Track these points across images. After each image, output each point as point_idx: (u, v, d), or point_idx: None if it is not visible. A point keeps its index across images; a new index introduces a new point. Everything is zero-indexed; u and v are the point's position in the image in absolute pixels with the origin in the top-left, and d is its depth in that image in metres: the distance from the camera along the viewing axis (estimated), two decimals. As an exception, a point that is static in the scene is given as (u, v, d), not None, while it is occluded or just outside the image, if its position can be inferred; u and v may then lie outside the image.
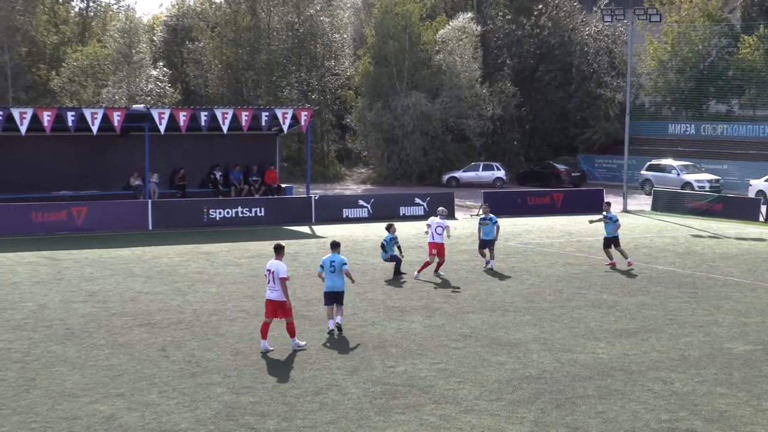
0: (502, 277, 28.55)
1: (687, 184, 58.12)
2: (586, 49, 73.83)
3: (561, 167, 66.56)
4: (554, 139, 74.10)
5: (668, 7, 72.36)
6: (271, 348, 19.29)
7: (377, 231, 39.58)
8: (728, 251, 35.01)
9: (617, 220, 31.02)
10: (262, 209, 42.50)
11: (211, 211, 41.52)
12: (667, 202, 50.01)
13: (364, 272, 28.94)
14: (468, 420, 15.09)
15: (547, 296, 25.56)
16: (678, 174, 59.62)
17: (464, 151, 70.45)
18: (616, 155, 67.91)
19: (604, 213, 31.28)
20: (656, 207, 50.41)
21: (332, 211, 44.04)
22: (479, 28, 70.17)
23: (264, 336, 19.23)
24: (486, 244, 30.09)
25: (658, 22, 57.22)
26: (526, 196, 49.71)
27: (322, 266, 20.98)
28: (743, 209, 46.96)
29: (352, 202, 45.46)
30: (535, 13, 73.76)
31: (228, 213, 41.78)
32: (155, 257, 31.94)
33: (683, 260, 32.42)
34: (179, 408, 15.64)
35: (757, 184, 54.12)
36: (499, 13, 74.60)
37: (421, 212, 44.61)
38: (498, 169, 65.76)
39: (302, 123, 44.55)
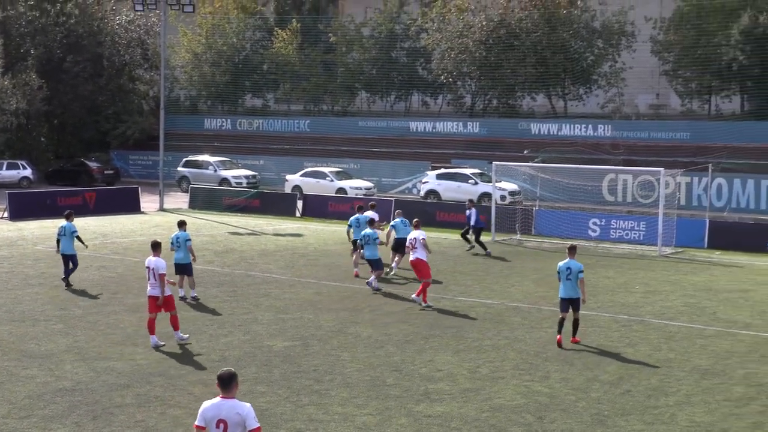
0: (28, 284, 27.69)
1: (224, 181, 59.58)
2: (117, 39, 73.25)
3: (93, 165, 65.61)
4: (86, 135, 72.89)
5: (202, -2, 73.74)
6: (162, 342, 20.46)
7: None
8: (267, 248, 36.40)
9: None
10: None
11: None
12: (205, 199, 51.06)
13: None
14: (-5, 442, 14.54)
15: (80, 302, 25.16)
16: (215, 170, 60.91)
17: (-14, 149, 67.36)
18: (151, 151, 68.15)
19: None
20: (194, 205, 51.27)
21: None
22: (-1, 13, 67.34)
23: (152, 332, 20.52)
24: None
25: (191, 13, 58.07)
26: (55, 196, 48.41)
27: (171, 242, 25.56)
28: (281, 205, 49.04)
29: None
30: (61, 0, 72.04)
31: None
32: None
33: (222, 258, 33.25)
34: None
35: (293, 179, 56.72)
36: (21, -1, 72.04)
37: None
38: (24, 168, 63.51)
39: None
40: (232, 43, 73.27)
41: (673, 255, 36.27)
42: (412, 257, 25.75)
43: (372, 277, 27.53)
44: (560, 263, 21.30)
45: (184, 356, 19.69)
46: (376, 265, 27.46)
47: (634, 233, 39.03)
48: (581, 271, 20.89)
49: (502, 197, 48.70)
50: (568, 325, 21.23)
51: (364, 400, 16.93)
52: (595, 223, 40.31)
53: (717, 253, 36.60)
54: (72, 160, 68.42)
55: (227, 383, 10.51)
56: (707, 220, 39.28)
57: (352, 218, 30.74)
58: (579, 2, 62.80)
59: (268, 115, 71.91)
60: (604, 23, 62.88)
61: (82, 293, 26.45)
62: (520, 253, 36.17)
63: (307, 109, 72.92)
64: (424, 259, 25.53)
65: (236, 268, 31.35)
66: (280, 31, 71.08)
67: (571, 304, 21.05)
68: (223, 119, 71.96)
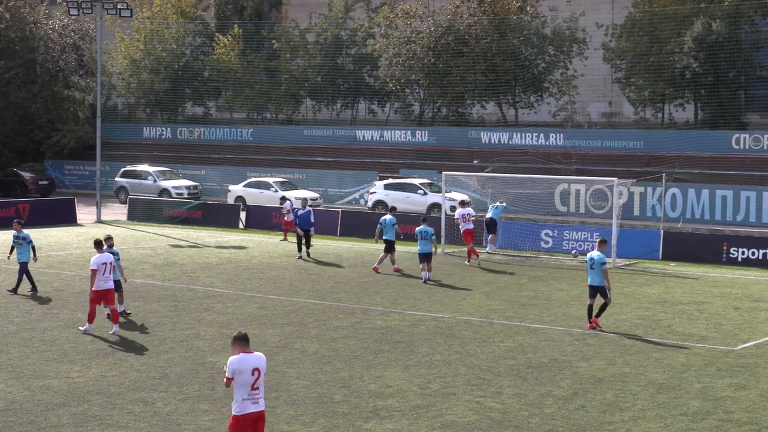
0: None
1: (165, 191, 59.19)
2: (51, 44, 72.56)
3: (27, 175, 64.88)
4: (19, 144, 72.06)
5: (139, 2, 73.20)
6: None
7: None
8: (209, 261, 36.22)
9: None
10: None
11: None
12: (144, 211, 50.67)
13: None
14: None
15: (14, 318, 24.89)
16: (155, 180, 60.51)
17: None
18: (87, 161, 67.49)
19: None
20: (133, 216, 50.85)
21: None
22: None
23: (90, 321, 23.14)
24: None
25: (129, 18, 57.66)
26: (-13, 207, 47.87)
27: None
28: (223, 216, 48.83)
29: None
30: (-8, 3, 71.29)
31: None
32: None
33: (162, 272, 33.03)
34: None
35: (237, 189, 56.48)
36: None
37: None
38: (-47, 178, 62.76)
39: None
40: (171, 49, 72.84)
41: (628, 267, 36.59)
42: (465, 228, 36.17)
43: (425, 273, 31.80)
44: (589, 254, 24.87)
45: (123, 373, 19.51)
46: (428, 258, 31.75)
47: (588, 244, 39.27)
48: (603, 263, 24.33)
49: (452, 208, 48.81)
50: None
51: (311, 417, 16.89)
52: (547, 234, 40.56)
53: (672, 264, 36.97)
54: (4, 170, 67.61)
55: (247, 340, 13.33)
56: (661, 231, 39.67)
57: (381, 218, 34.87)
58: (529, 8, 63.20)
59: (209, 124, 71.57)
60: (555, 29, 63.26)
61: (16, 308, 26.15)
62: (470, 266, 36.25)
63: (251, 117, 72.64)
64: (472, 229, 36.12)
65: (177, 282, 31.16)
66: (221, 36, 70.74)
67: (597, 291, 24.47)
68: (163, 128, 71.48)
